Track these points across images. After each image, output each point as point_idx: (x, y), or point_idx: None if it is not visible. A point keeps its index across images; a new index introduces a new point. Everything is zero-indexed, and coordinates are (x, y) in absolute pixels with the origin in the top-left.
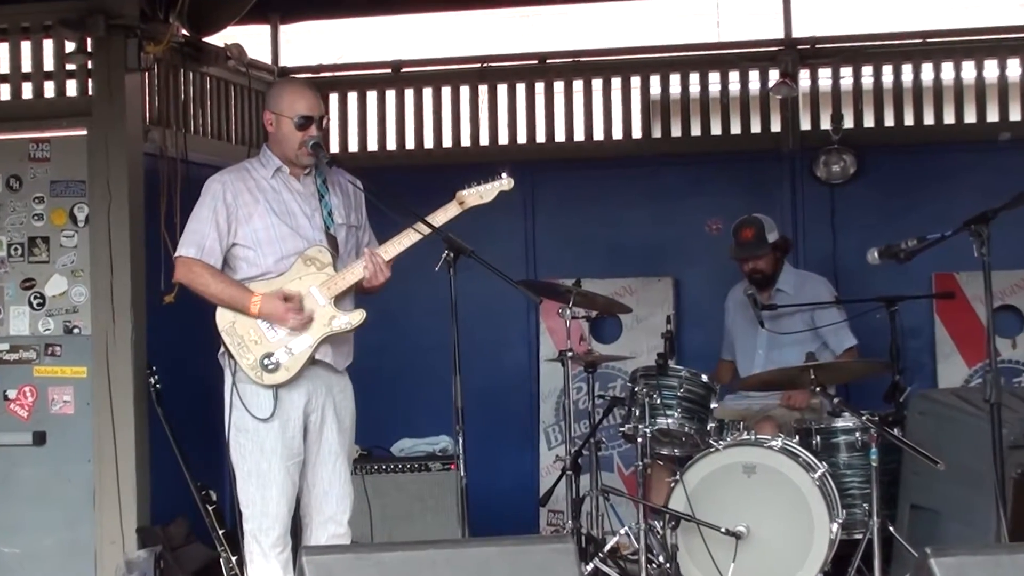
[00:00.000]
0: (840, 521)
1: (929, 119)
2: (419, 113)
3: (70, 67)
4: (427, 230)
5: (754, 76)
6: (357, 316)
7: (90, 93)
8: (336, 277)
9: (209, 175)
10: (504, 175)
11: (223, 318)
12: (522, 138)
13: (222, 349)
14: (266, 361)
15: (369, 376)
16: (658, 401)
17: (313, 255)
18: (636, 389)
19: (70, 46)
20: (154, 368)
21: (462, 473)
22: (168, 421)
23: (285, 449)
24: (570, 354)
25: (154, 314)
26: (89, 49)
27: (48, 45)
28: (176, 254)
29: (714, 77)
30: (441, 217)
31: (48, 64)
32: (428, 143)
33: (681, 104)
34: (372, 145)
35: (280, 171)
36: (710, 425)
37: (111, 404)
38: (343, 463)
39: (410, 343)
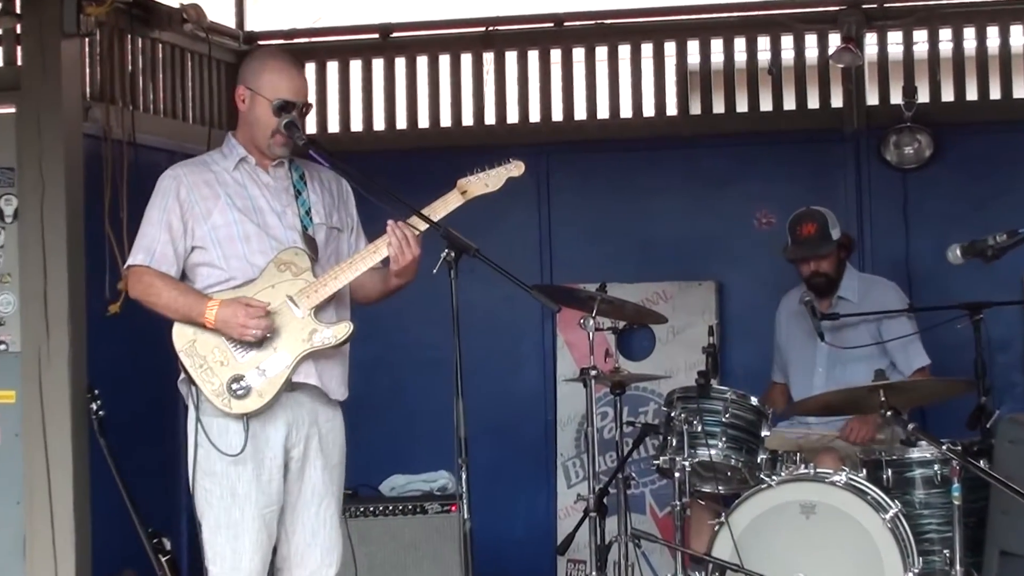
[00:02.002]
0: (916, 571)
1: (1020, 91)
2: (412, 87)
3: None
4: (424, 225)
5: (811, 41)
6: (342, 329)
7: (19, 63)
8: (316, 284)
9: (162, 160)
10: (512, 159)
11: (181, 336)
12: (535, 116)
13: (182, 375)
14: (234, 386)
15: (353, 400)
16: (699, 429)
17: (288, 259)
18: (673, 414)
19: None
20: (96, 392)
21: (465, 515)
22: (113, 455)
23: (261, 495)
24: (594, 373)
25: (97, 327)
26: (17, 10)
27: None
28: (126, 264)
29: (763, 42)
30: (440, 209)
31: None
32: (423, 122)
33: (724, 75)
34: (356, 125)
35: (245, 162)
36: (761, 457)
37: (44, 435)
38: (330, 507)
39: (402, 361)
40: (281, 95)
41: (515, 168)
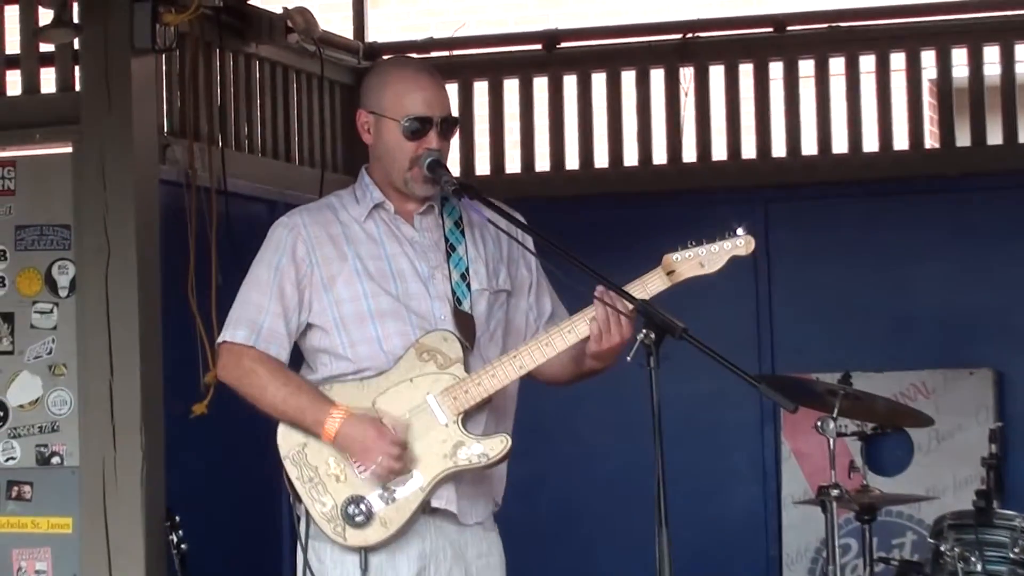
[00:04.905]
0: None
1: None
2: (586, 113)
3: (46, 49)
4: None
5: None
6: (498, 445)
7: (77, 89)
8: (468, 381)
9: (261, 212)
10: (741, 231)
11: (288, 440)
12: (748, 150)
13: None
14: (352, 509)
15: (515, 529)
16: (979, 568)
17: (433, 344)
18: (943, 548)
19: (46, 16)
20: (177, 519)
21: None
22: None
23: None
24: (835, 493)
25: (178, 434)
26: (76, 20)
27: (12, 15)
28: (219, 339)
29: None
30: (637, 294)
31: (13, 46)
32: (601, 160)
33: (1003, 94)
34: (512, 165)
35: (381, 208)
36: None
37: (111, 574)
38: None
39: (574, 478)
40: (411, 111)
41: (744, 245)
